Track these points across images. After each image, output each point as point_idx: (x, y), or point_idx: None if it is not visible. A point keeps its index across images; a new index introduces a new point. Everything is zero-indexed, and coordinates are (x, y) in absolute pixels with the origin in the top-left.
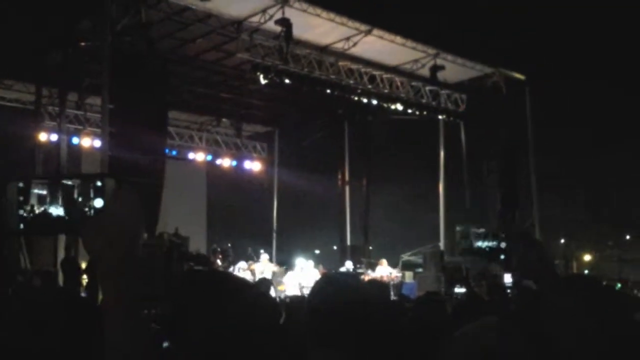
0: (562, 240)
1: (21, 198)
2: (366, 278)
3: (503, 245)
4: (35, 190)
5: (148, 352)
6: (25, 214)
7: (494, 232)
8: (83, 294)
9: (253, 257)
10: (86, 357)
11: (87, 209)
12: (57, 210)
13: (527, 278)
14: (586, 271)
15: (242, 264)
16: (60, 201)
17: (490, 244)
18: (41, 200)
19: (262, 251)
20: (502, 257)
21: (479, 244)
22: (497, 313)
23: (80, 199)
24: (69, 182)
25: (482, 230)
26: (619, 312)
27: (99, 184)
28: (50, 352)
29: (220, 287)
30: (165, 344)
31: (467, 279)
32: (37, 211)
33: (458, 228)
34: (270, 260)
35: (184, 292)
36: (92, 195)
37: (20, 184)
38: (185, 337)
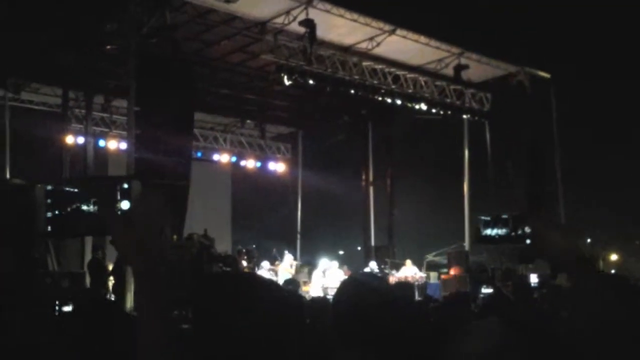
0: (588, 240)
1: (49, 201)
2: (391, 279)
3: (520, 231)
4: (67, 189)
5: (178, 353)
6: (53, 216)
7: (505, 218)
8: (111, 297)
9: (277, 258)
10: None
11: (115, 210)
12: (88, 209)
13: (555, 274)
14: (613, 271)
15: (265, 264)
16: (90, 201)
17: (500, 231)
18: (72, 199)
19: (286, 252)
20: (528, 241)
21: (488, 231)
22: (522, 313)
23: (108, 201)
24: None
25: (491, 217)
26: None
27: (125, 186)
28: (76, 353)
29: (246, 287)
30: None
31: (492, 279)
32: (68, 209)
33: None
34: (295, 260)
35: (210, 293)
36: (118, 197)
37: (49, 187)
38: (211, 338)
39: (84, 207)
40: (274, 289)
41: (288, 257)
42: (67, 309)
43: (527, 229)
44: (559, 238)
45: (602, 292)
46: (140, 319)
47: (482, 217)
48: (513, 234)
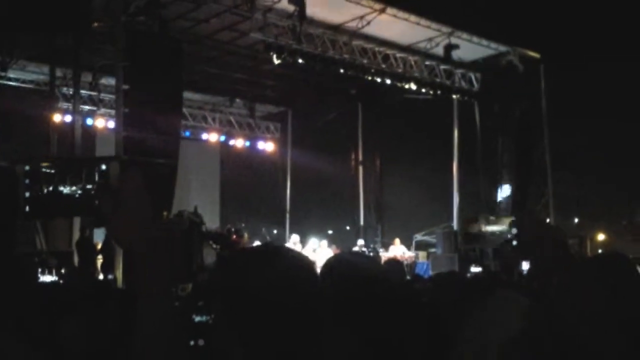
0: (576, 220)
1: (27, 181)
2: (382, 258)
3: (514, 230)
4: (44, 170)
5: (180, 335)
6: (30, 197)
7: (499, 217)
8: (99, 275)
9: (266, 237)
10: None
11: (92, 190)
12: (66, 190)
13: (539, 263)
14: (600, 250)
15: (257, 243)
16: (68, 181)
17: (498, 228)
18: (49, 179)
19: (294, 234)
20: (514, 243)
21: (487, 228)
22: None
23: (86, 180)
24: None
25: (491, 217)
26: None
27: (103, 167)
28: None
29: (277, 259)
30: (197, 318)
31: (481, 259)
32: (45, 191)
33: (467, 217)
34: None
35: (241, 271)
36: (96, 178)
37: (27, 167)
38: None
39: (61, 188)
40: (298, 256)
41: (295, 237)
42: (47, 279)
43: (515, 230)
44: (545, 238)
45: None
46: (144, 302)
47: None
48: (508, 234)
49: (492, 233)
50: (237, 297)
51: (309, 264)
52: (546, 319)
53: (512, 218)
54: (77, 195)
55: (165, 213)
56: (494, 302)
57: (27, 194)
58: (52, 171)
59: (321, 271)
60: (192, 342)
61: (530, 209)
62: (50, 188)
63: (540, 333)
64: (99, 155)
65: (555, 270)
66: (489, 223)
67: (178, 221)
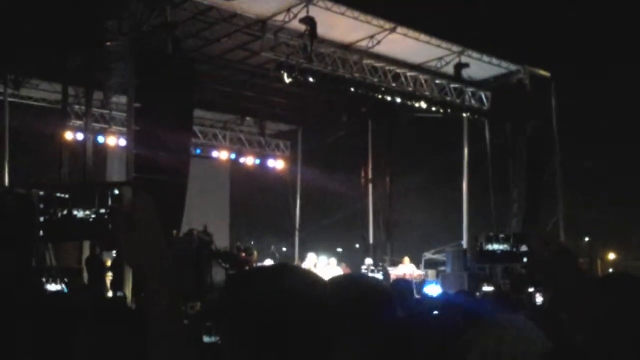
0: (587, 239)
1: (42, 206)
2: (391, 275)
3: (523, 248)
4: (58, 195)
5: (191, 355)
6: (46, 221)
7: (508, 235)
8: (108, 293)
9: (275, 255)
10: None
11: (105, 215)
12: (79, 214)
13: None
14: (610, 269)
15: (268, 262)
16: (81, 206)
17: (504, 247)
18: (63, 204)
19: (309, 253)
20: (524, 259)
21: (492, 247)
22: (523, 309)
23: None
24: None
25: (496, 234)
26: None
27: (116, 191)
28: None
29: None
30: (206, 339)
31: (491, 277)
32: (59, 215)
33: (472, 233)
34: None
35: (250, 290)
36: (109, 202)
37: (41, 192)
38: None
39: (75, 213)
40: (309, 275)
41: (311, 256)
42: (53, 288)
43: (524, 247)
44: (552, 253)
45: (596, 300)
46: (155, 323)
47: (488, 233)
48: (515, 250)
49: (502, 251)
50: (247, 317)
51: (320, 282)
52: (553, 336)
53: (520, 234)
54: (90, 220)
55: (175, 231)
56: (508, 336)
57: (42, 219)
58: (66, 196)
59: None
60: None
61: (540, 226)
62: (65, 212)
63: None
64: (109, 173)
65: (562, 285)
66: (497, 241)
67: (188, 240)
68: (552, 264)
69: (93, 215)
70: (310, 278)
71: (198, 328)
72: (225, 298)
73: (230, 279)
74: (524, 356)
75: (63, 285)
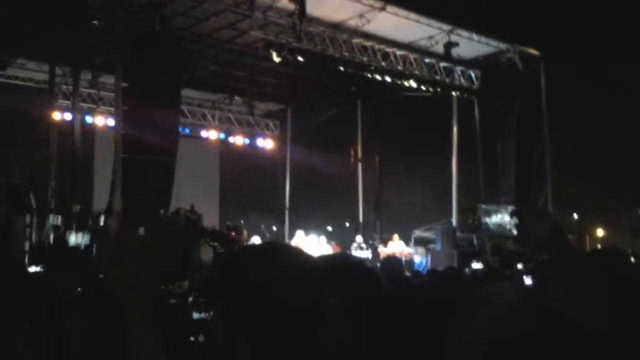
0: (576, 216)
1: (28, 231)
2: (381, 254)
3: (515, 220)
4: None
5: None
6: (34, 246)
7: (503, 208)
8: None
9: (265, 234)
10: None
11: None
12: (71, 240)
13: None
14: (599, 245)
15: (256, 239)
16: (72, 231)
17: (499, 220)
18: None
19: (298, 231)
20: (515, 232)
21: (487, 220)
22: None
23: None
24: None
25: (491, 206)
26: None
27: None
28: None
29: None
30: (195, 316)
31: (480, 254)
32: (52, 241)
33: (466, 205)
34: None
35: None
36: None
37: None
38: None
39: (70, 232)
40: (300, 253)
41: (299, 233)
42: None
43: (515, 220)
44: (545, 228)
45: (581, 272)
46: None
47: (483, 207)
48: (508, 226)
49: (493, 224)
50: (240, 295)
51: (310, 260)
52: (539, 310)
53: (513, 208)
54: (81, 247)
55: (162, 211)
56: (487, 295)
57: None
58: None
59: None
60: (192, 338)
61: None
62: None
63: (534, 324)
64: (97, 153)
65: (552, 259)
66: (488, 214)
67: (174, 219)
68: (544, 239)
69: (84, 242)
70: (300, 256)
71: (187, 306)
72: (215, 276)
73: (220, 257)
74: (515, 318)
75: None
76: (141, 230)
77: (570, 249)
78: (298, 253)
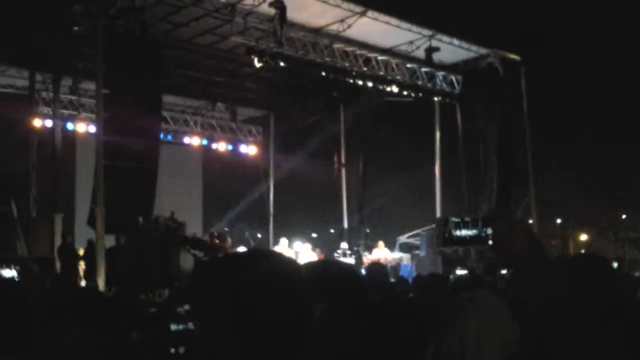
0: (559, 221)
1: None
2: (365, 260)
3: (489, 231)
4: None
5: None
6: None
7: (476, 219)
8: (81, 282)
9: (250, 241)
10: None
11: None
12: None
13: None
14: (582, 250)
15: (242, 249)
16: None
17: (471, 232)
18: None
19: (281, 238)
20: (490, 243)
21: (459, 233)
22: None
23: None
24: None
25: (461, 219)
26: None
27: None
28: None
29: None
30: (174, 327)
31: (464, 260)
32: None
33: (439, 219)
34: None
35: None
36: None
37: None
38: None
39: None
40: (284, 260)
41: (283, 241)
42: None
43: (490, 231)
44: (518, 237)
45: (558, 281)
46: None
47: (453, 219)
48: (483, 234)
49: (469, 236)
50: (224, 302)
51: (294, 266)
52: (518, 317)
53: (487, 218)
54: None
55: (140, 219)
56: (467, 302)
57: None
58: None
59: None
60: (172, 350)
61: (505, 210)
62: None
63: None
64: (79, 160)
65: (527, 267)
66: (465, 226)
67: (153, 227)
68: (516, 247)
69: None
70: (284, 262)
71: (166, 317)
72: (196, 284)
73: (202, 264)
74: (502, 332)
75: (15, 273)
76: (121, 239)
77: (545, 257)
78: (282, 259)
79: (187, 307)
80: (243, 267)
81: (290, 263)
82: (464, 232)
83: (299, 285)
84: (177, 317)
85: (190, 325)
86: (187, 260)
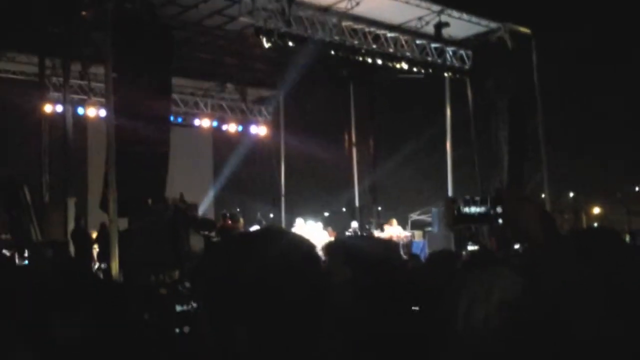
0: (571, 194)
1: None
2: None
3: (499, 209)
4: None
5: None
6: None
7: (485, 197)
8: (95, 264)
9: (262, 221)
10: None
11: None
12: None
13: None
14: (595, 224)
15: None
16: None
17: (480, 209)
18: None
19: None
20: (499, 220)
21: (468, 210)
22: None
23: None
24: None
25: (471, 197)
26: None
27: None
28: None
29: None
30: (179, 308)
31: (476, 236)
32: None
33: (447, 199)
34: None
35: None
36: None
37: None
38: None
39: None
40: (297, 238)
41: (299, 221)
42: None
43: (499, 209)
44: (529, 214)
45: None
46: None
47: (463, 197)
48: (492, 212)
49: (478, 213)
50: (237, 281)
51: (309, 246)
52: (531, 292)
53: (493, 197)
54: None
55: (149, 200)
56: (483, 278)
57: None
58: None
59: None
60: (177, 330)
61: (515, 188)
62: None
63: (526, 307)
64: (90, 144)
65: (539, 244)
66: (475, 204)
67: (163, 208)
68: (527, 225)
69: None
70: (297, 240)
71: (173, 297)
72: (210, 264)
73: (214, 244)
74: (513, 301)
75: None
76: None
77: (556, 233)
78: (295, 237)
79: (188, 286)
80: (256, 246)
81: (304, 241)
82: (473, 210)
83: (315, 262)
84: (181, 298)
85: (194, 306)
86: (197, 241)
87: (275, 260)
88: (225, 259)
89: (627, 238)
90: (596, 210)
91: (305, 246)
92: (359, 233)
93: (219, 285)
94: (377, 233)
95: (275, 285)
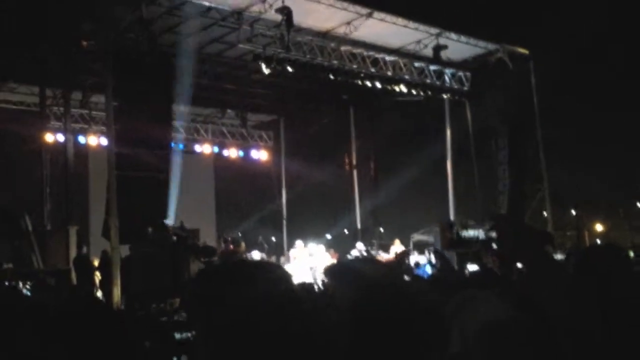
0: (573, 211)
1: None
2: (379, 259)
3: (493, 234)
4: None
5: None
6: None
7: (481, 221)
8: (97, 292)
9: (264, 245)
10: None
11: None
12: None
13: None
14: (598, 240)
15: (256, 254)
16: None
17: (476, 232)
18: None
19: (297, 240)
20: (495, 246)
21: (465, 233)
22: (508, 286)
23: None
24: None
25: (468, 220)
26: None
27: None
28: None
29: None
30: (177, 336)
31: (478, 255)
32: None
33: (443, 222)
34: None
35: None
36: None
37: None
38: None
39: None
40: (273, 270)
41: (299, 243)
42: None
43: (494, 234)
44: (522, 240)
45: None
46: None
47: (460, 220)
48: (487, 235)
49: (472, 238)
50: (215, 314)
51: (284, 277)
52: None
53: (490, 222)
54: None
55: (150, 229)
56: (470, 304)
57: None
58: None
59: (325, 276)
60: (174, 359)
61: (503, 213)
62: None
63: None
64: (92, 173)
65: (533, 268)
66: (466, 228)
67: (163, 236)
68: (518, 247)
69: None
70: (273, 273)
71: (171, 325)
72: (194, 295)
73: (200, 274)
74: (501, 333)
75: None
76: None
77: (549, 259)
78: (271, 269)
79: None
80: (228, 284)
81: (279, 273)
82: (472, 233)
83: (290, 296)
84: (180, 326)
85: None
86: (198, 269)
87: (250, 295)
88: (204, 293)
89: (631, 254)
90: (598, 227)
91: (279, 278)
92: (364, 254)
93: (203, 318)
94: (381, 254)
95: (251, 318)
